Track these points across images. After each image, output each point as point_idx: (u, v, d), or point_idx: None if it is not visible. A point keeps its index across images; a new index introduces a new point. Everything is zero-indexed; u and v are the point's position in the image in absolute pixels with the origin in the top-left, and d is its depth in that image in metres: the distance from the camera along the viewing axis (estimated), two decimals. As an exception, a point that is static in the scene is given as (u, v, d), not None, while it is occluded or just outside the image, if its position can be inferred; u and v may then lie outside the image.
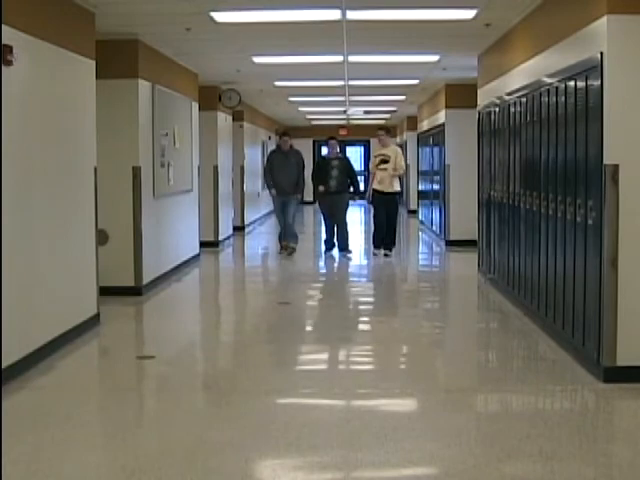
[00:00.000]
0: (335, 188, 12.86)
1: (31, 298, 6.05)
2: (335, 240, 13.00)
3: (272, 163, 13.15)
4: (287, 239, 13.08)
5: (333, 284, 10.92)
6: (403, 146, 21.57)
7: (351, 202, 13.38)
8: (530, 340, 7.09)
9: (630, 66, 5.48)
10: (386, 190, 12.51)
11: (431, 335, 7.76)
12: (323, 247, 13.29)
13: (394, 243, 12.88)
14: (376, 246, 12.79)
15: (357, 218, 20.49)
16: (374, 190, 12.63)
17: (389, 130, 13.33)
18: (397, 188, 12.71)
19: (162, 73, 10.15)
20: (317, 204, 13.56)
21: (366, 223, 19.65)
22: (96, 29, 7.61)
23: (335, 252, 12.93)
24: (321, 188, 12.94)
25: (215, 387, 5.87)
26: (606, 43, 5.47)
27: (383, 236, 12.68)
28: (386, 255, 12.52)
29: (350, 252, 12.84)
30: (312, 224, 20.08)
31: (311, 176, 13.19)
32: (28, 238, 5.98)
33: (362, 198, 13.48)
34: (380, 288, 10.38)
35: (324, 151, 18.75)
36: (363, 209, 20.17)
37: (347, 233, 12.97)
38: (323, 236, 13.85)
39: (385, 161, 12.49)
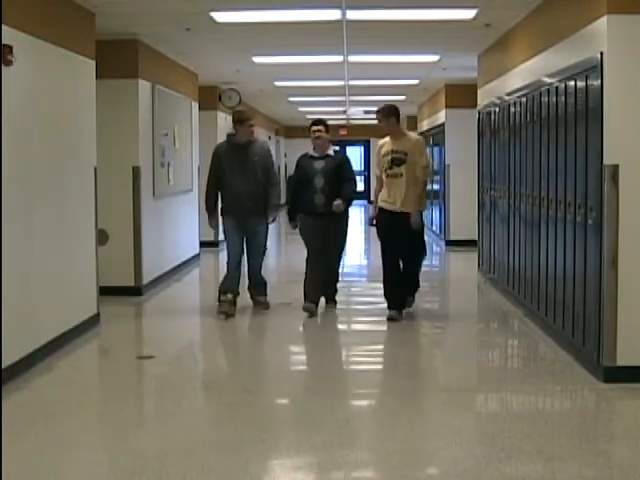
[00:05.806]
0: (323, 208, 7.77)
1: (31, 298, 6.05)
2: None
3: (221, 165, 7.93)
4: (252, 288, 8.34)
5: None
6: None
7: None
8: (530, 340, 7.10)
9: (630, 66, 5.49)
10: (401, 209, 7.49)
11: (431, 335, 7.76)
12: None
13: (417, 289, 8.06)
14: (390, 304, 7.71)
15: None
16: (380, 209, 7.66)
17: (395, 109, 7.66)
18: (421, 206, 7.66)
19: (162, 73, 10.15)
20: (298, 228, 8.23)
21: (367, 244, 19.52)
22: (96, 29, 7.61)
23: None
24: (292, 225, 8.18)
25: (215, 387, 5.87)
26: (606, 43, 5.47)
27: (397, 286, 7.70)
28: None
29: (335, 303, 8.33)
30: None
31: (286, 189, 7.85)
32: (28, 238, 5.98)
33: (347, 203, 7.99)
34: (379, 287, 10.36)
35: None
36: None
37: (337, 276, 8.33)
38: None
39: (399, 161, 7.52)
